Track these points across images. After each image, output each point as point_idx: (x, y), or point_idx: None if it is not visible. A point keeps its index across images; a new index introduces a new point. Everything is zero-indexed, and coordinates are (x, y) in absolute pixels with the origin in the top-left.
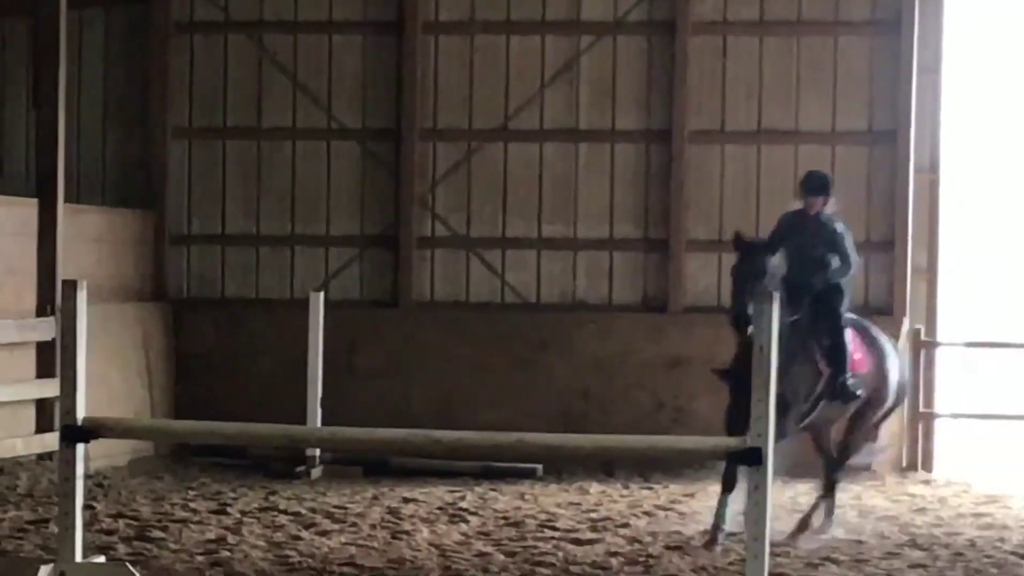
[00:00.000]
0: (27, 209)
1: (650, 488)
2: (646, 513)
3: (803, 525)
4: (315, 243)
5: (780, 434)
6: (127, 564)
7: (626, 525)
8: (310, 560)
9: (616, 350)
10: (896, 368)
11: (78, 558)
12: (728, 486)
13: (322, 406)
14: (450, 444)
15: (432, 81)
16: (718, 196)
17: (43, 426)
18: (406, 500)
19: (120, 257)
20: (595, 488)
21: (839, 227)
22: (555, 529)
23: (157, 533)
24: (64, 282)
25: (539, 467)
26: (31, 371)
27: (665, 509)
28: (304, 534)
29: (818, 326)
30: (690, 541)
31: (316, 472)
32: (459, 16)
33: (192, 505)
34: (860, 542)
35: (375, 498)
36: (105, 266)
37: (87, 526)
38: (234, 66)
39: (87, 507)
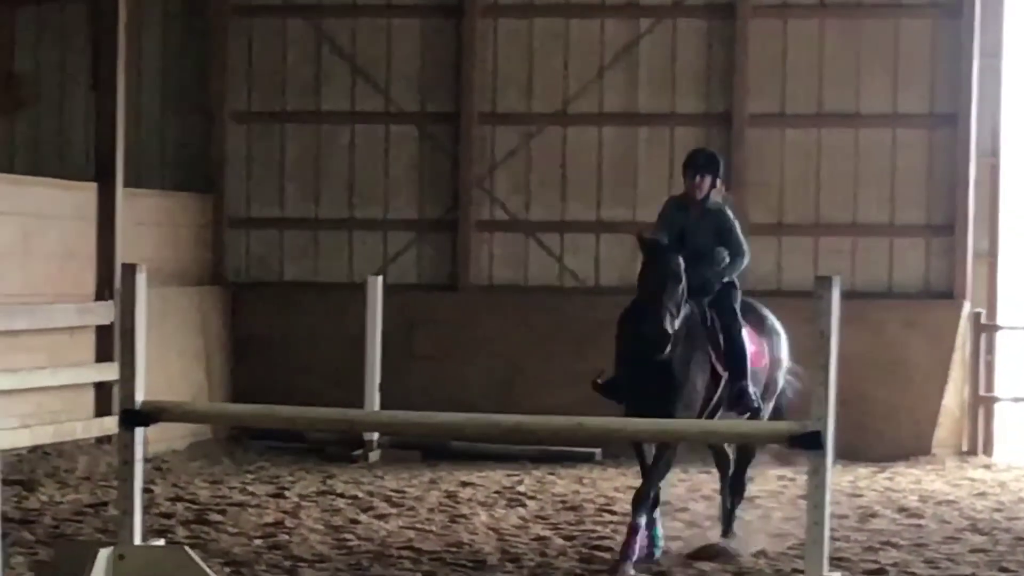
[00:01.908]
0: (86, 193)
1: (709, 472)
2: (705, 497)
3: (710, 550)
4: (374, 227)
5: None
6: (185, 547)
7: (685, 509)
8: (368, 544)
9: None
10: (786, 352)
11: (137, 541)
12: (654, 502)
13: (380, 390)
14: (508, 428)
15: (491, 65)
16: (778, 179)
17: (102, 409)
18: (464, 484)
19: (179, 241)
20: None
21: (728, 214)
22: (613, 513)
23: (215, 516)
24: (124, 266)
25: (597, 451)
26: (90, 355)
27: None
28: (362, 518)
29: (714, 325)
30: (749, 525)
31: (374, 456)
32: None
33: (250, 489)
34: (920, 526)
35: (433, 482)
36: (164, 250)
37: (146, 509)
38: (293, 50)
39: (146, 490)
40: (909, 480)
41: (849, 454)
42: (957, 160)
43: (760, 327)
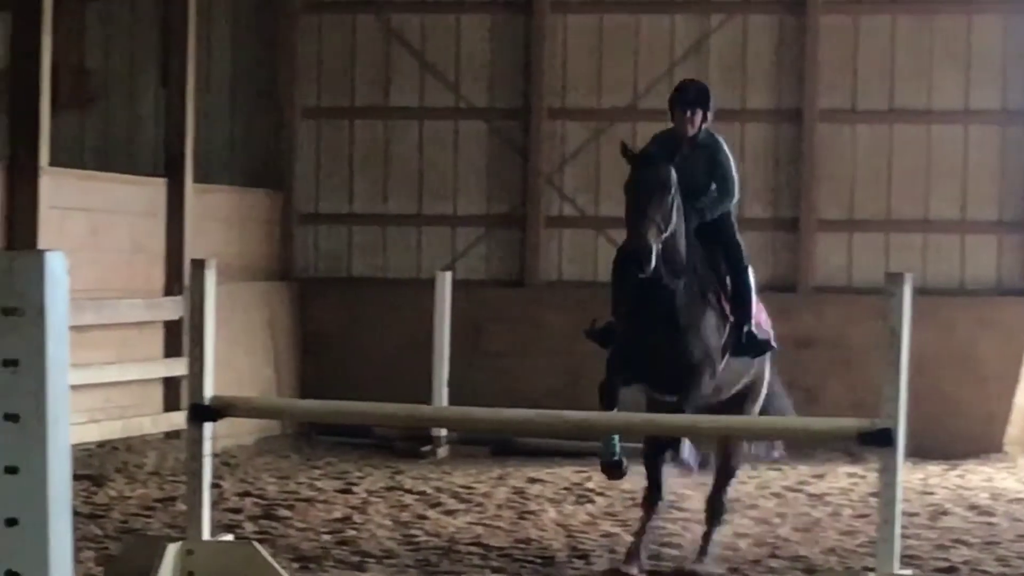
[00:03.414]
0: (156, 188)
1: (778, 469)
2: (774, 494)
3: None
4: (442, 222)
5: (695, 404)
6: (254, 543)
7: (754, 506)
8: (436, 539)
9: None
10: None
11: (205, 536)
12: (610, 402)
13: (448, 386)
14: (577, 424)
15: (561, 60)
16: (849, 175)
17: (170, 405)
18: (532, 480)
19: (248, 236)
20: None
21: (723, 147)
22: (682, 510)
23: (283, 512)
24: (193, 261)
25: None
26: (159, 350)
27: (794, 490)
28: (430, 513)
29: (718, 260)
30: (819, 522)
31: (442, 452)
32: None
33: (318, 484)
34: (991, 524)
35: (501, 478)
36: (233, 245)
37: (214, 504)
38: (362, 46)
39: (214, 486)
40: (980, 478)
41: (920, 451)
42: None
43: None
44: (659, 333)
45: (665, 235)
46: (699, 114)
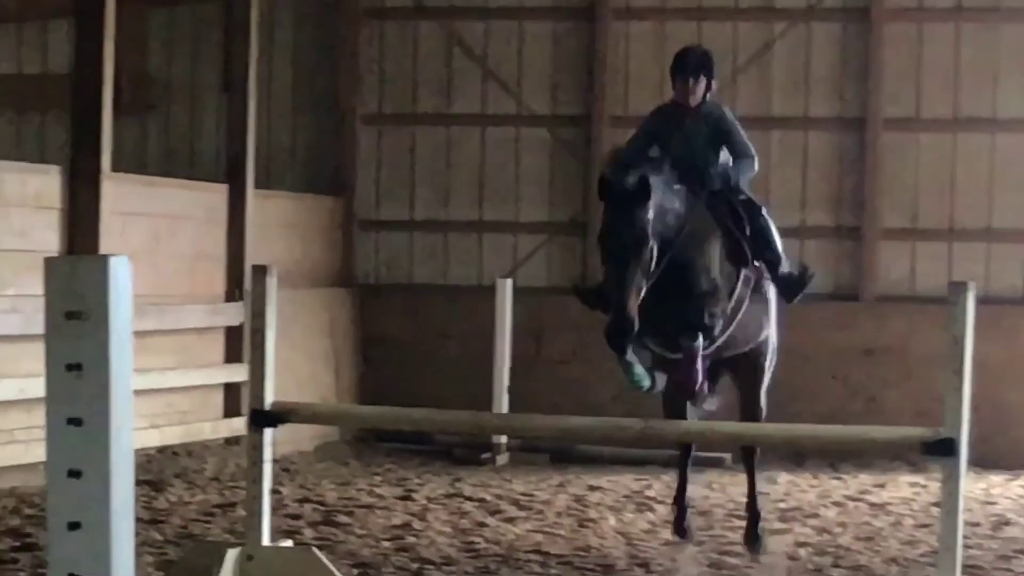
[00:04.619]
0: (217, 194)
1: (839, 478)
2: (835, 503)
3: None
4: (504, 229)
5: (710, 335)
6: (313, 548)
7: (815, 515)
8: (496, 547)
9: (807, 338)
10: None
11: (265, 542)
12: (620, 347)
13: (508, 392)
14: (637, 432)
15: (623, 67)
16: (913, 184)
17: (230, 410)
18: (592, 488)
19: (308, 242)
20: (784, 477)
21: (728, 115)
22: (743, 519)
23: (343, 518)
24: (254, 267)
25: (727, 456)
26: (219, 356)
27: (855, 500)
28: (490, 521)
29: (730, 206)
30: (880, 532)
31: (502, 459)
32: (651, 3)
33: (378, 491)
34: None
35: (561, 485)
36: (293, 251)
37: (274, 510)
38: (425, 52)
39: (274, 491)
40: None
41: (982, 461)
42: None
43: None
44: (661, 279)
45: (647, 284)
46: (702, 82)
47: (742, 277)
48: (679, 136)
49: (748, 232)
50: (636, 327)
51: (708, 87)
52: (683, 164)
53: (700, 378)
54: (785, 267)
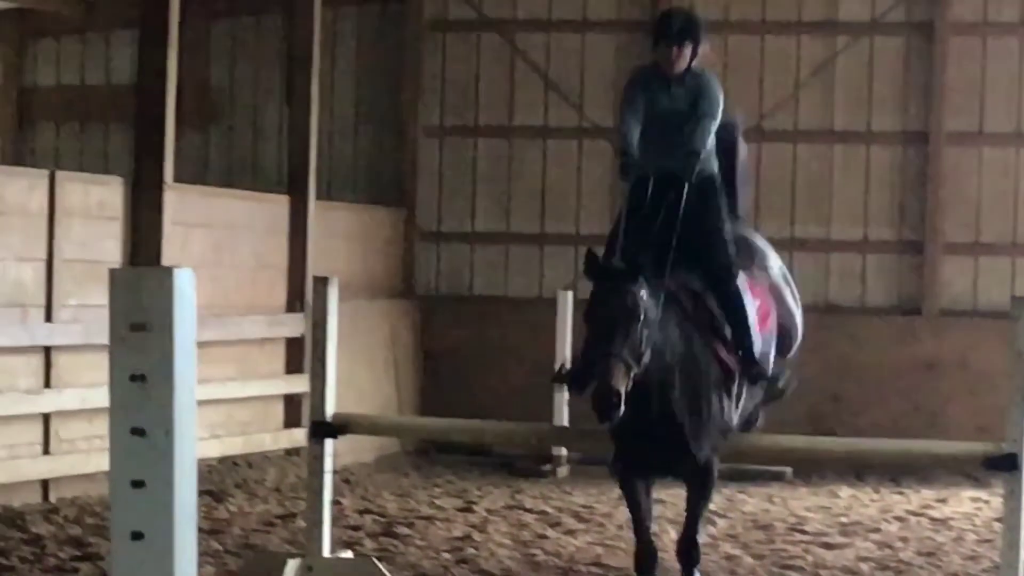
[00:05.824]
0: (279, 205)
1: (901, 493)
2: (897, 518)
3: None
4: (565, 241)
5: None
6: (373, 559)
7: (877, 530)
8: (556, 559)
9: (868, 353)
10: (792, 288)
11: (325, 553)
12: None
13: (568, 405)
14: None
15: None
16: (975, 199)
17: (291, 421)
18: (653, 501)
19: (370, 254)
20: (845, 492)
21: (713, 79)
22: (804, 533)
23: (403, 530)
24: (315, 278)
25: (788, 470)
26: (280, 367)
27: (917, 514)
28: (550, 533)
29: (708, 305)
30: (942, 547)
31: (562, 471)
32: (714, 16)
33: (438, 502)
34: None
35: (621, 498)
36: (355, 263)
37: (334, 521)
38: (487, 64)
39: (334, 502)
40: None
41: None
42: None
43: (759, 267)
44: (659, 431)
45: (636, 371)
46: (688, 48)
47: (735, 384)
48: (666, 98)
49: (732, 335)
50: (623, 406)
51: (694, 53)
52: (671, 136)
53: None
54: (756, 351)
